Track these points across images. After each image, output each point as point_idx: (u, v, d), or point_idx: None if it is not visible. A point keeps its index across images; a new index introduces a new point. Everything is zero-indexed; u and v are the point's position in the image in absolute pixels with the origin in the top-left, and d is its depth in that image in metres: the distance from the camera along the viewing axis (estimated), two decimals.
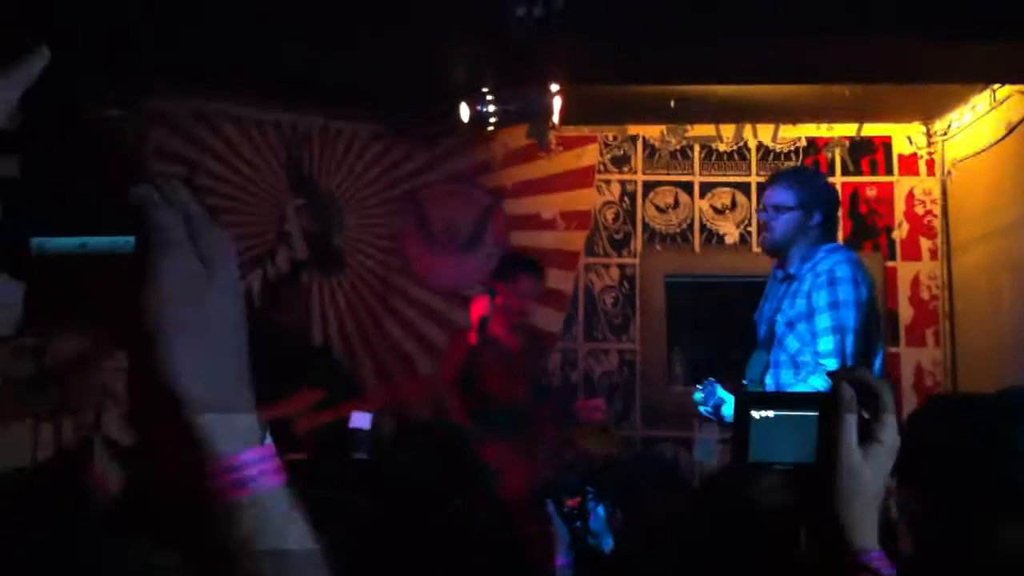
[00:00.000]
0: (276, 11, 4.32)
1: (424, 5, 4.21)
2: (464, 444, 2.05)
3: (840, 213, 4.11)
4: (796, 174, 4.01)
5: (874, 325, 3.80)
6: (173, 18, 4.47)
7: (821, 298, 3.68)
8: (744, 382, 3.88)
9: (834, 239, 3.97)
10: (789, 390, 3.73)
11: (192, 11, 4.37)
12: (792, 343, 3.79)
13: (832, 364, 3.59)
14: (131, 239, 0.85)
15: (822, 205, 3.86)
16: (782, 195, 3.87)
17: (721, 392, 3.70)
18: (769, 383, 3.84)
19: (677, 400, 6.56)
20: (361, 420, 4.24)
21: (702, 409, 3.74)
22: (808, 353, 3.71)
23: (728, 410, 3.67)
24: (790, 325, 3.79)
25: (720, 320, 6.50)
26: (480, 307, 4.33)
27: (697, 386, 3.71)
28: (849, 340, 3.64)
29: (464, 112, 5.27)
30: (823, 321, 3.66)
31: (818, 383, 3.59)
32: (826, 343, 3.63)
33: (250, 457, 0.81)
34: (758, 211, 4.02)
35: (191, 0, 4.37)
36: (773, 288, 3.98)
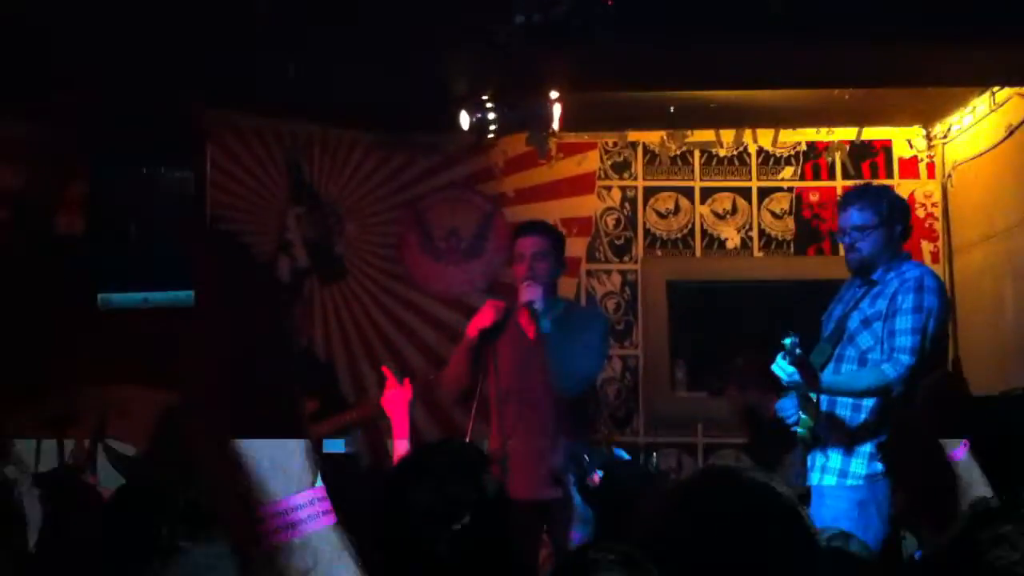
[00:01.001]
0: (276, 21, 4.33)
1: (424, 14, 4.22)
2: (470, 463, 2.05)
3: (912, 219, 4.19)
4: (870, 193, 4.07)
5: (945, 340, 3.91)
6: (172, 28, 4.49)
7: (908, 301, 3.78)
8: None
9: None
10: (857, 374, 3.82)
11: (191, 22, 4.38)
12: (865, 339, 3.86)
13: (907, 360, 3.64)
14: (191, 293, 0.89)
15: (900, 217, 3.99)
16: (863, 216, 3.94)
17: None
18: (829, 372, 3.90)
19: (680, 405, 6.57)
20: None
21: (780, 363, 3.66)
22: (879, 351, 3.77)
23: (824, 378, 3.69)
24: (866, 323, 3.87)
25: (722, 324, 6.51)
26: (485, 315, 4.26)
27: (789, 332, 3.66)
28: (927, 344, 3.74)
29: (464, 120, 5.28)
30: (905, 322, 3.74)
31: (890, 371, 3.65)
32: (905, 340, 3.71)
33: (302, 500, 0.82)
34: (838, 236, 4.07)
35: (191, 11, 4.38)
36: (849, 292, 4.03)
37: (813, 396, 3.82)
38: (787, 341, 3.62)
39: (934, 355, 3.79)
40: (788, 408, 3.93)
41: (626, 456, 3.35)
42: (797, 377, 3.64)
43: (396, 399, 3.91)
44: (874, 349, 3.81)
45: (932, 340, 3.75)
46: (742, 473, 1.80)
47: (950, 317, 3.94)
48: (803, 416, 3.84)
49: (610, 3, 4.14)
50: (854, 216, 3.94)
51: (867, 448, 3.77)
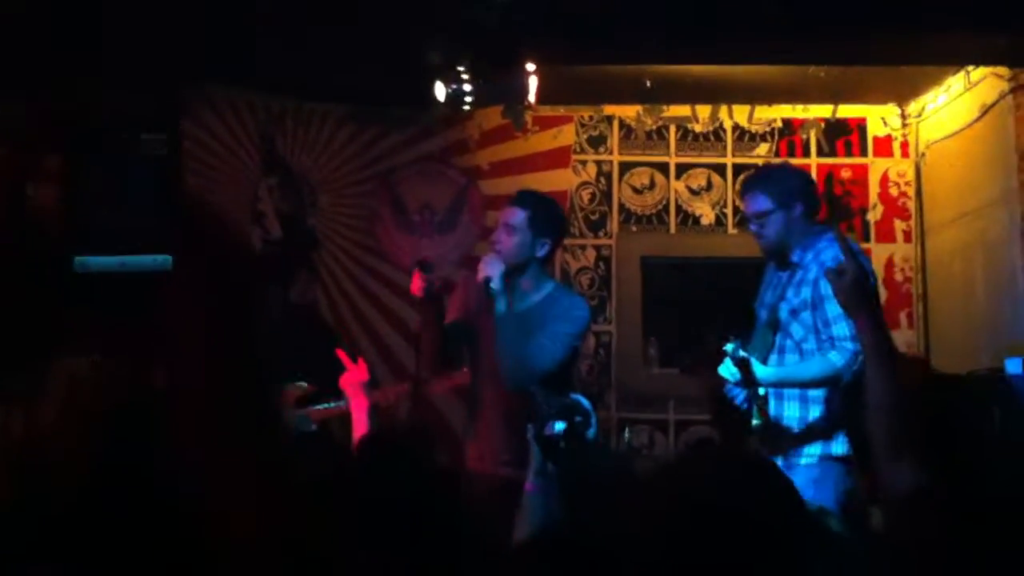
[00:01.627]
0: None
1: None
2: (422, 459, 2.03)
3: (818, 194, 4.10)
4: (764, 177, 4.04)
5: (877, 307, 3.85)
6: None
7: (828, 285, 3.72)
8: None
9: (817, 219, 3.99)
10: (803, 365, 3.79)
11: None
12: (797, 330, 3.81)
13: (851, 346, 3.61)
14: (168, 258, 0.88)
15: (799, 196, 3.89)
16: (759, 202, 3.89)
17: (743, 352, 3.68)
18: (773, 363, 3.87)
19: (653, 382, 6.58)
20: None
21: (725, 366, 3.68)
22: (814, 341, 3.74)
23: (759, 370, 3.68)
24: (794, 313, 3.81)
25: (696, 301, 6.51)
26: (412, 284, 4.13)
27: (730, 338, 3.66)
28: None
29: (440, 91, 5.23)
30: (833, 308, 3.67)
31: (837, 359, 3.63)
32: (841, 328, 3.66)
33: None
34: (749, 225, 4.02)
35: None
36: (774, 276, 3.99)
37: (761, 391, 3.82)
38: (729, 347, 3.65)
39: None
40: (738, 394, 3.94)
41: (585, 403, 3.25)
42: (739, 377, 3.67)
43: (351, 379, 3.87)
44: (807, 339, 3.77)
45: None
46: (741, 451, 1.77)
47: (875, 283, 3.85)
48: (755, 413, 3.86)
49: None
50: (751, 203, 3.91)
51: (819, 428, 3.78)
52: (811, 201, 3.94)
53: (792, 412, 3.84)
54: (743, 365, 3.64)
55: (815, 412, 3.80)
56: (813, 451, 3.77)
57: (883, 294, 6.46)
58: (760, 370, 3.72)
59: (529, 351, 3.84)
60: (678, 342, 6.55)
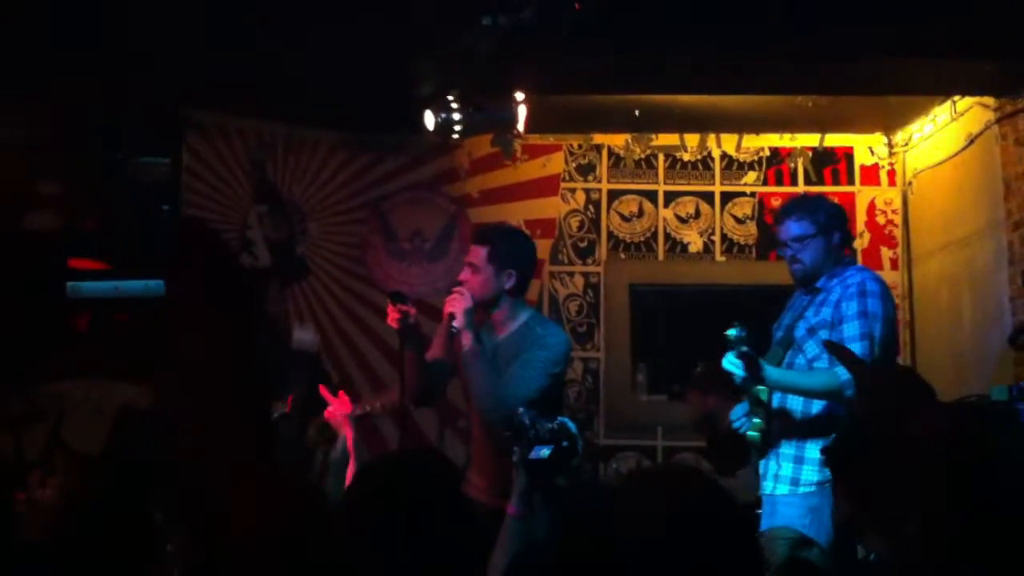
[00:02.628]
0: (241, 20, 4.30)
1: (391, 16, 4.20)
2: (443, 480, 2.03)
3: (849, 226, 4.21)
4: (804, 204, 4.09)
5: (895, 343, 3.92)
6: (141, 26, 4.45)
7: (851, 307, 3.79)
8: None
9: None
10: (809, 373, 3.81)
11: (159, 20, 4.34)
12: (811, 348, 3.85)
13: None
14: (161, 283, 0.89)
15: (838, 224, 4.00)
16: (800, 227, 3.94)
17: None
18: None
19: (641, 409, 6.59)
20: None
21: (729, 358, 3.66)
22: (826, 360, 3.76)
23: (771, 372, 3.68)
24: (811, 331, 3.86)
25: (684, 328, 6.53)
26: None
27: (736, 322, 3.65)
28: (876, 349, 3.73)
29: (429, 120, 5.25)
30: (852, 328, 3.75)
31: (843, 372, 3.63)
32: (854, 347, 3.68)
33: None
34: (780, 250, 4.05)
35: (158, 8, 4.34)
36: (797, 300, 4.04)
37: (763, 397, 3.83)
38: (731, 332, 3.60)
39: (884, 359, 3.79)
40: (739, 413, 3.94)
41: (572, 426, 3.20)
42: (743, 371, 3.64)
43: (335, 413, 3.86)
44: (820, 358, 3.80)
45: (880, 344, 3.75)
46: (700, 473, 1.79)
47: (895, 318, 3.92)
48: (755, 419, 3.85)
49: (577, 7, 4.14)
50: (792, 228, 3.95)
51: (817, 455, 3.79)
52: (847, 231, 4.06)
53: (791, 430, 3.85)
54: (748, 359, 3.62)
55: (814, 431, 3.81)
56: (810, 478, 3.78)
57: None
58: (767, 369, 3.70)
59: (505, 381, 3.82)
60: (666, 369, 6.56)
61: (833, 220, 3.97)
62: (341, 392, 3.96)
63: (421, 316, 4.00)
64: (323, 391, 3.89)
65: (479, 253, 3.95)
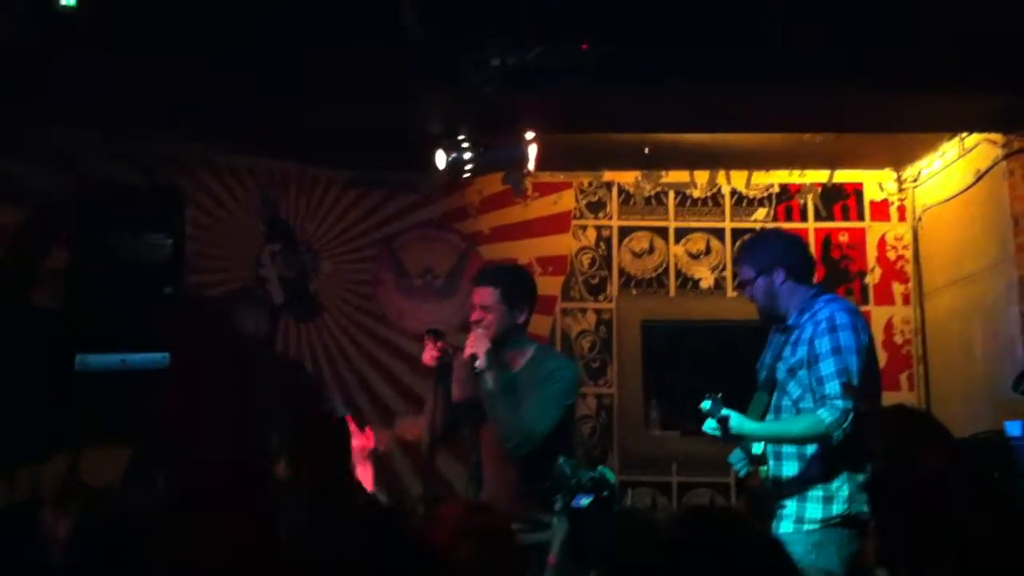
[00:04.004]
0: (251, 60, 4.35)
1: (400, 56, 4.25)
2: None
3: (806, 256, 4.14)
4: (747, 247, 4.15)
5: (874, 371, 3.89)
6: (150, 65, 4.50)
7: (823, 344, 3.76)
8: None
9: (810, 280, 4.03)
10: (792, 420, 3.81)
11: (173, 59, 4.39)
12: (794, 389, 3.84)
13: (841, 404, 3.63)
14: (166, 355, 0.92)
15: (778, 263, 3.96)
16: (743, 271, 4.02)
17: (725, 410, 3.70)
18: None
19: (655, 445, 6.57)
20: None
21: (708, 424, 3.72)
22: (810, 400, 3.76)
23: (737, 424, 3.68)
24: (791, 372, 3.85)
25: (696, 364, 6.53)
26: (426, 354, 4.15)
27: (707, 395, 3.70)
28: (855, 382, 3.69)
29: (440, 159, 5.30)
30: (827, 367, 3.72)
31: (826, 415, 3.63)
32: (833, 386, 3.68)
33: None
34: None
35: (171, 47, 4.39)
36: (774, 339, 4.05)
37: (756, 450, 3.85)
38: (704, 406, 3.70)
39: (866, 389, 3.74)
40: (736, 460, 3.97)
41: (611, 476, 3.24)
42: (722, 436, 3.70)
43: (357, 447, 3.86)
44: (804, 398, 3.80)
45: (859, 375, 3.71)
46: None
47: (871, 347, 3.89)
48: (751, 465, 3.88)
49: (584, 47, 4.19)
50: (740, 272, 4.05)
51: (819, 492, 3.77)
52: (794, 266, 3.99)
53: (791, 471, 3.84)
54: (723, 422, 3.67)
55: (813, 470, 3.80)
56: (814, 515, 3.76)
57: (883, 356, 6.49)
58: (747, 425, 3.73)
59: (523, 416, 3.90)
60: (680, 404, 6.55)
61: (773, 259, 3.96)
62: (368, 427, 3.97)
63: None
64: (350, 422, 3.91)
65: (490, 294, 4.06)
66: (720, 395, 3.72)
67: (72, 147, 5.62)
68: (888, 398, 6.49)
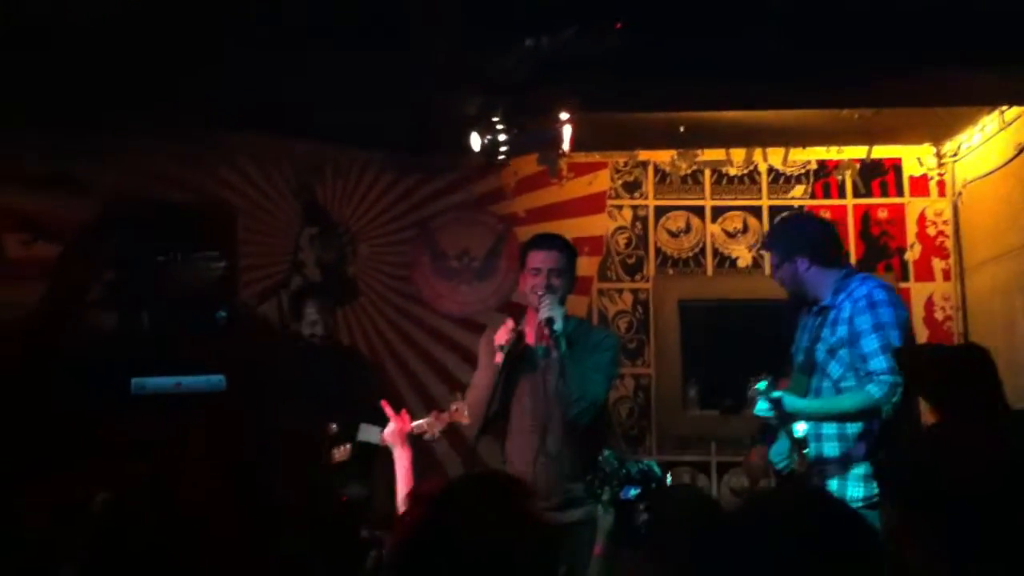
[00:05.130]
0: (284, 51, 4.38)
1: (436, 40, 4.26)
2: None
3: (830, 240, 4.10)
4: (771, 234, 4.18)
5: (914, 345, 3.89)
6: (186, 55, 4.54)
7: (864, 322, 3.76)
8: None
9: (839, 263, 4.01)
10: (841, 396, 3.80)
11: (205, 47, 4.44)
12: (835, 369, 3.84)
13: (888, 379, 3.63)
14: (222, 378, 0.94)
15: (800, 249, 3.97)
16: (771, 258, 4.09)
17: (776, 391, 3.71)
18: None
19: (693, 424, 6.57)
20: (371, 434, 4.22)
21: (760, 405, 3.72)
22: (853, 379, 3.75)
23: (790, 404, 3.69)
24: (831, 352, 3.85)
25: (734, 343, 6.51)
26: (501, 333, 4.15)
27: (760, 376, 3.71)
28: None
29: (475, 141, 5.30)
30: (870, 343, 3.73)
31: (875, 390, 3.63)
32: (879, 362, 3.69)
33: None
34: None
35: (204, 36, 4.43)
36: (807, 320, 4.03)
37: (797, 434, 3.84)
38: (760, 386, 3.70)
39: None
40: (777, 455, 3.97)
41: (657, 469, 3.26)
42: (775, 416, 3.70)
43: (394, 431, 3.87)
44: (846, 377, 3.80)
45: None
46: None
47: (909, 321, 3.88)
48: (794, 456, 3.87)
49: (619, 26, 4.17)
50: (770, 258, 4.11)
51: (861, 471, 3.77)
52: (818, 252, 3.98)
53: (831, 452, 3.84)
54: (776, 403, 3.67)
55: (854, 450, 3.80)
56: (855, 495, 3.76)
57: (923, 333, 6.44)
58: (796, 403, 3.73)
59: (583, 383, 3.96)
60: (717, 383, 6.54)
61: (795, 246, 3.97)
62: (404, 410, 3.98)
63: (472, 336, 4.10)
64: (385, 406, 3.92)
65: (562, 259, 4.12)
66: (772, 377, 3.72)
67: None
68: None
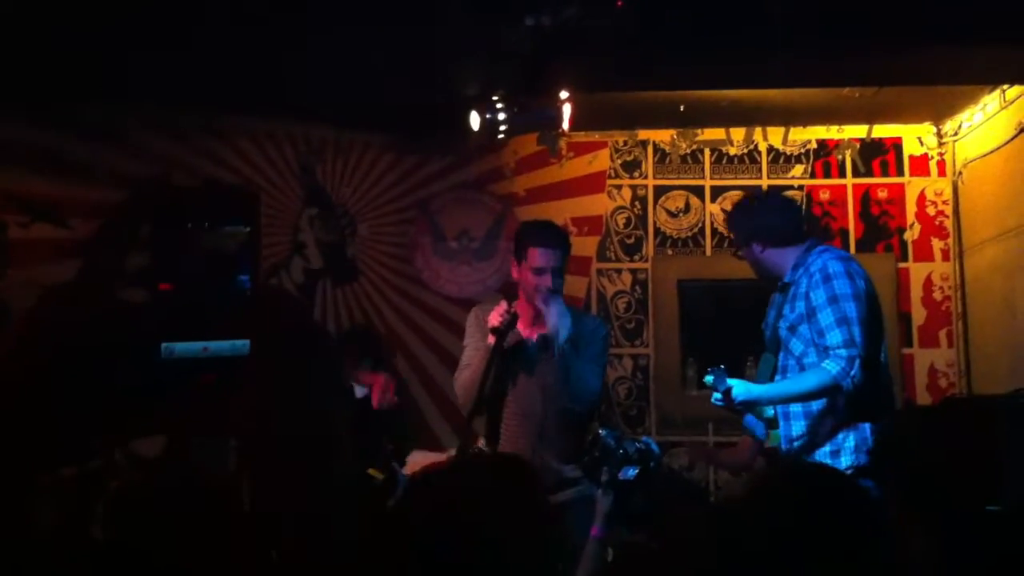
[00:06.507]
0: (283, 26, 4.36)
1: (434, 18, 4.24)
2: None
3: (784, 220, 4.07)
4: (727, 221, 4.15)
5: (876, 317, 3.84)
6: (184, 33, 4.53)
7: (819, 296, 3.73)
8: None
9: (799, 238, 3.98)
10: (798, 377, 3.79)
11: (204, 26, 4.42)
12: (796, 346, 3.83)
13: (844, 352, 3.61)
14: (247, 342, 0.96)
15: (754, 235, 3.96)
16: (733, 240, 4.12)
17: (730, 380, 3.71)
18: None
19: (691, 404, 6.58)
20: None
21: (714, 396, 3.74)
22: (813, 354, 3.74)
23: (743, 392, 3.69)
24: (792, 329, 3.83)
25: (733, 323, 6.50)
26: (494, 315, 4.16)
27: (709, 369, 3.72)
28: (856, 330, 3.66)
29: (475, 120, 5.30)
30: (826, 317, 3.69)
31: (832, 366, 3.62)
32: (834, 336, 3.65)
33: None
34: None
35: (203, 15, 4.41)
36: (775, 297, 4.04)
37: (768, 413, 3.86)
38: (707, 380, 3.71)
39: (868, 338, 3.70)
40: (752, 424, 3.99)
41: (655, 447, 3.25)
42: (729, 407, 3.72)
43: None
44: (807, 354, 3.77)
45: (860, 323, 3.67)
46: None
47: (870, 292, 3.83)
48: (771, 432, 3.90)
49: (619, 5, 4.16)
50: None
51: (827, 448, 3.76)
52: (772, 234, 3.97)
53: (799, 430, 3.83)
54: (726, 394, 3.69)
55: (820, 426, 3.79)
56: (842, 463, 3.77)
57: (922, 313, 6.45)
58: (754, 390, 3.73)
59: (582, 377, 4.01)
60: (716, 364, 6.52)
61: (748, 231, 3.98)
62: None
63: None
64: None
65: (561, 256, 4.09)
66: (723, 367, 3.71)
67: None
68: (927, 355, 6.49)
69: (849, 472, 3.65)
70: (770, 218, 4.04)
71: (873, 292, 3.86)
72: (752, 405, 3.81)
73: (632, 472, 3.10)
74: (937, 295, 6.52)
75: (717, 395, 3.72)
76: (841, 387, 3.62)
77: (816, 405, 3.77)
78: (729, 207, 6.47)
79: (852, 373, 3.59)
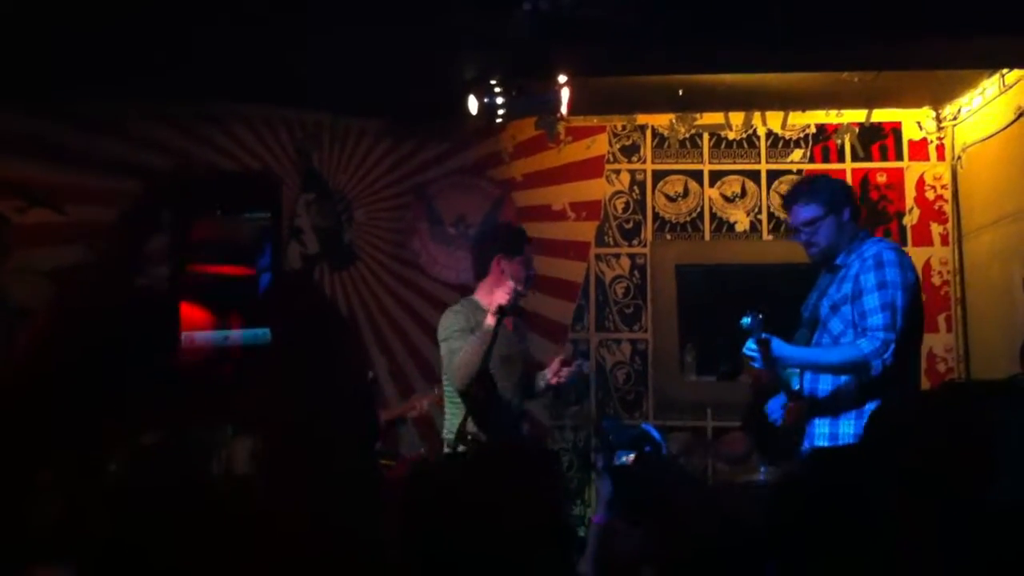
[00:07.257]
0: (279, 11, 4.34)
1: (433, 3, 4.22)
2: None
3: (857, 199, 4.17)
4: (809, 187, 4.10)
5: (919, 310, 3.88)
6: (179, 21, 4.50)
7: (869, 279, 3.76)
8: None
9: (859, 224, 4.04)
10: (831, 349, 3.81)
11: (198, 14, 4.39)
12: (836, 325, 3.85)
13: (882, 335, 3.64)
14: (267, 331, 0.96)
15: (846, 201, 3.99)
16: (808, 211, 3.96)
17: (766, 333, 3.70)
18: None
19: (690, 389, 6.59)
20: None
21: (748, 344, 3.72)
22: (852, 335, 3.76)
23: (778, 347, 3.69)
24: (834, 308, 3.86)
25: (731, 308, 6.49)
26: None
27: (748, 311, 3.70)
28: (899, 318, 3.70)
29: (473, 105, 5.27)
30: (872, 300, 3.73)
31: (865, 345, 3.63)
32: (876, 319, 3.69)
33: None
34: (792, 236, 4.09)
35: (197, 3, 4.39)
36: (822, 279, 4.04)
37: (793, 384, 3.85)
38: (744, 321, 3.68)
39: (909, 328, 3.74)
40: (776, 406, 3.98)
41: (656, 435, 3.24)
42: (760, 357, 3.69)
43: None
44: (845, 333, 3.80)
45: (904, 313, 3.72)
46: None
47: (917, 286, 3.87)
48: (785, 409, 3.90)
49: None
50: (801, 212, 3.97)
51: (850, 430, 3.77)
52: (855, 206, 4.04)
53: (824, 385, 3.85)
54: (765, 344, 3.66)
55: (846, 389, 3.80)
56: (847, 431, 3.77)
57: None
58: (786, 349, 3.74)
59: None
60: (715, 349, 6.54)
61: (840, 197, 3.97)
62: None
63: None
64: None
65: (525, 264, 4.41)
66: (761, 315, 3.70)
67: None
68: (926, 340, 6.42)
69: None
70: (853, 193, 4.16)
71: (920, 287, 3.92)
72: (778, 363, 3.78)
73: (626, 457, 3.10)
74: (936, 280, 6.51)
75: (751, 343, 3.70)
76: (871, 366, 3.64)
77: (844, 385, 3.79)
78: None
79: (885, 356, 3.64)
